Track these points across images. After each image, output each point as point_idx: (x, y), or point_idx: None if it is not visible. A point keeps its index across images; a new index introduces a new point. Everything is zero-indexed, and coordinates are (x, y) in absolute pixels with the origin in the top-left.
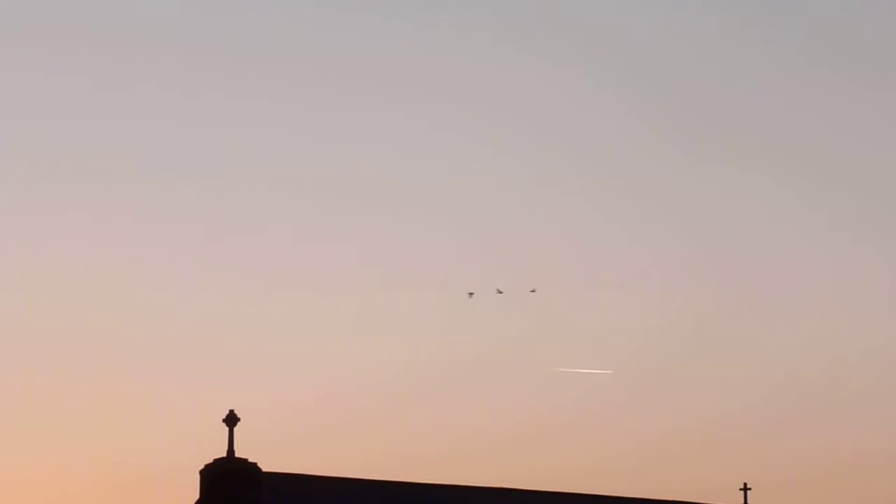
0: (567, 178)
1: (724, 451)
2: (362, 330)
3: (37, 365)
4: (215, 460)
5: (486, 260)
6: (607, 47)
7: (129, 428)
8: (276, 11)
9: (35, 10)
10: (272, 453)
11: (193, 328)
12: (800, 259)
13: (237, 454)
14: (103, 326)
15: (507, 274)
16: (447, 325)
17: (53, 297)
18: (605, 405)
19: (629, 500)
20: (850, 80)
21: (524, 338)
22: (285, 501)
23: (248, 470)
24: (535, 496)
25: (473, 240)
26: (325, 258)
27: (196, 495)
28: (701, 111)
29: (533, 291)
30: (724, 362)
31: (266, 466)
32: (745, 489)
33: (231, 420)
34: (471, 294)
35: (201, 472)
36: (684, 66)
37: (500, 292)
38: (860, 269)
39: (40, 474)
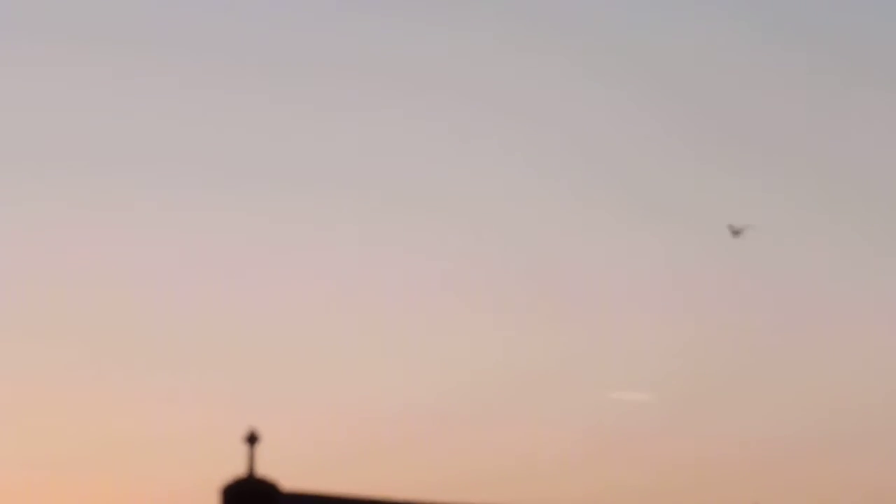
0: (609, 201)
1: (762, 476)
2: (392, 349)
3: (52, 378)
4: (235, 479)
5: (528, 279)
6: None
7: (148, 445)
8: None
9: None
10: (293, 473)
11: (216, 345)
12: (845, 277)
13: (258, 473)
14: (124, 341)
15: (551, 292)
16: (477, 346)
17: (72, 308)
18: (647, 428)
19: None
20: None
21: (568, 359)
22: None
23: (268, 488)
24: None
25: (515, 258)
26: (353, 274)
27: None
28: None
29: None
30: (764, 386)
31: (287, 486)
32: None
33: (252, 439)
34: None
35: (222, 491)
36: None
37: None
38: None
39: (58, 491)
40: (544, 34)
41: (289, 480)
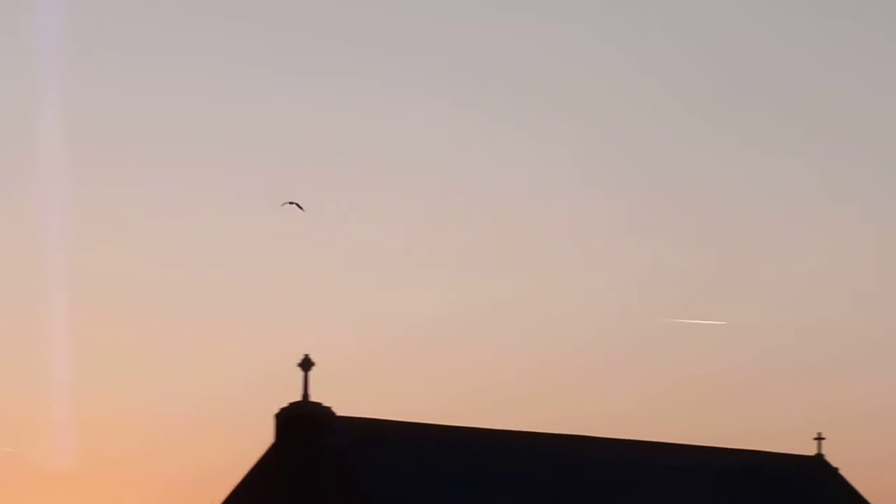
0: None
1: (798, 400)
2: (442, 269)
3: (112, 307)
4: (290, 404)
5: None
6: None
7: (204, 371)
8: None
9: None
10: (346, 397)
11: (268, 272)
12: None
13: (312, 398)
14: (179, 269)
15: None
16: (530, 263)
17: (131, 237)
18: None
19: (701, 449)
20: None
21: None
22: (359, 445)
23: (322, 413)
24: (617, 444)
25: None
26: (400, 196)
27: (271, 439)
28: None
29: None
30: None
31: (340, 410)
32: (819, 439)
33: (306, 364)
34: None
35: (277, 416)
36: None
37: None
38: None
39: (116, 416)
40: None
41: (341, 406)
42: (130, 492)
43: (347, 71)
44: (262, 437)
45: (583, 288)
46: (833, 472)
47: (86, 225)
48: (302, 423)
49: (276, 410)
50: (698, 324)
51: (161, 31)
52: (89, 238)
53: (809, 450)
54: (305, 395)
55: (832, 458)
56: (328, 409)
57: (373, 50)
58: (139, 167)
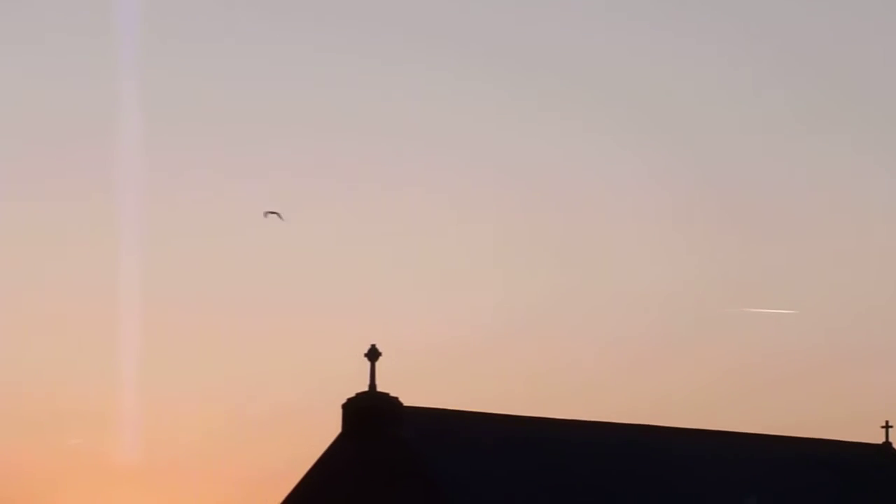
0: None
1: (866, 388)
2: (510, 259)
3: (179, 297)
4: (357, 394)
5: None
6: None
7: (272, 362)
8: None
9: None
10: (413, 388)
11: (336, 261)
12: None
13: (379, 388)
14: (248, 259)
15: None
16: (599, 256)
17: (203, 232)
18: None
19: (768, 438)
20: None
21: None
22: (427, 436)
23: (390, 404)
24: (684, 433)
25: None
26: (464, 190)
27: (339, 429)
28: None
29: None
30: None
31: (407, 401)
32: (887, 427)
33: (373, 354)
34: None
35: (344, 406)
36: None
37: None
38: None
39: (184, 410)
40: None
41: (408, 397)
42: (198, 486)
43: (411, 60)
44: (330, 429)
45: (648, 278)
46: None
47: (160, 221)
48: (369, 414)
49: (343, 401)
50: (767, 313)
51: (238, 23)
52: (162, 234)
53: (878, 438)
54: (373, 385)
55: None
56: (396, 399)
57: (430, 41)
58: (213, 161)
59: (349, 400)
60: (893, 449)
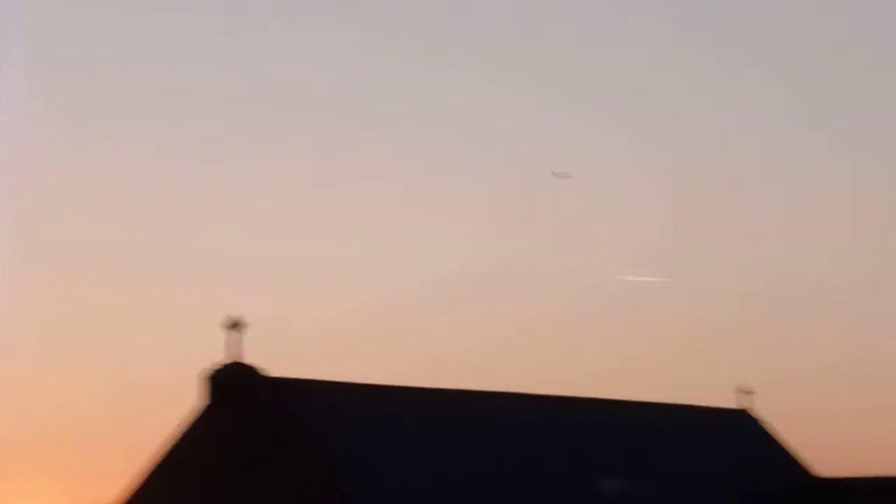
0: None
1: (723, 355)
2: (377, 240)
3: (42, 270)
4: (223, 365)
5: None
6: None
7: (138, 334)
8: None
9: None
10: (281, 360)
11: (203, 233)
12: None
13: (245, 360)
14: (114, 232)
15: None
16: (466, 233)
17: (67, 208)
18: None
19: (643, 405)
20: None
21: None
22: (289, 406)
23: (253, 375)
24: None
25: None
26: (345, 158)
27: (203, 400)
28: None
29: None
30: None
31: (274, 372)
32: (746, 392)
33: (234, 325)
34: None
35: (207, 377)
36: None
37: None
38: None
39: (51, 382)
40: None
41: (275, 367)
42: (71, 461)
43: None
44: (194, 399)
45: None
46: (759, 425)
47: (26, 193)
48: (233, 384)
49: (207, 372)
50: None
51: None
52: (27, 209)
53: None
54: (236, 355)
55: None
56: (260, 369)
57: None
58: (78, 131)
59: (214, 370)
60: (750, 414)
